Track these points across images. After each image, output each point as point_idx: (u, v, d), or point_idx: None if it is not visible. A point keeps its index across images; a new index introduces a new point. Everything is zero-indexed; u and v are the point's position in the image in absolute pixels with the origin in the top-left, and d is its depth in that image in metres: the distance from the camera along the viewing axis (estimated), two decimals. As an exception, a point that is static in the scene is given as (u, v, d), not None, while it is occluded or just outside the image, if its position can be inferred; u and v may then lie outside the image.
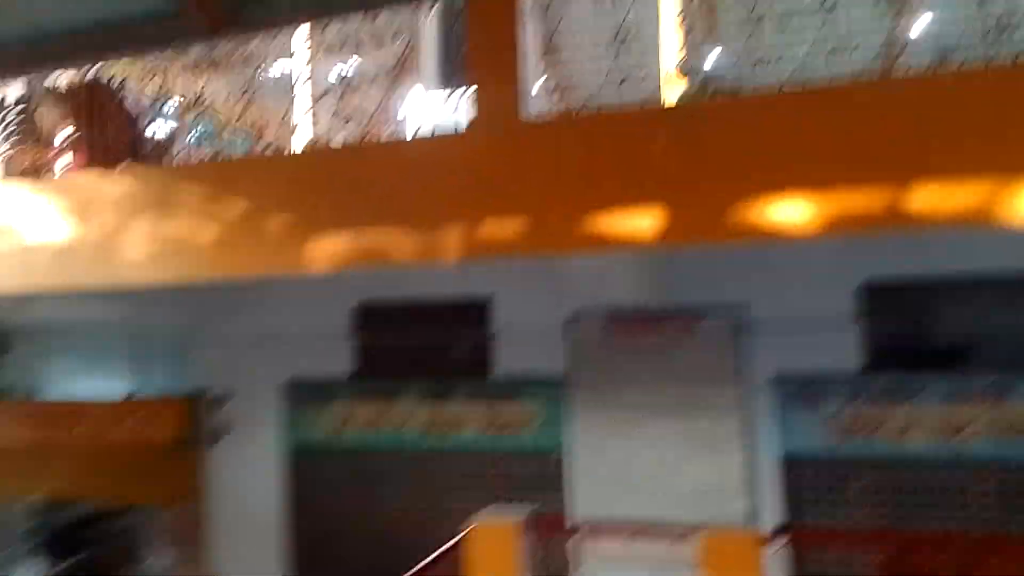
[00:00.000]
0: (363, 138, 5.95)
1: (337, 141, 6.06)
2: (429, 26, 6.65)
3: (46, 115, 5.50)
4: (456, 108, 6.18)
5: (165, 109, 6.35)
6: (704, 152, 3.79)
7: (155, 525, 7.24)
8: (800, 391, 5.20)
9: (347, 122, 6.15)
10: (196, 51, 6.06)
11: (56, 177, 5.02)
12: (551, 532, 4.75)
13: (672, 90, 5.06)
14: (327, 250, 4.24)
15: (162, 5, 4.85)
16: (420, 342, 6.19)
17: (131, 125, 5.72)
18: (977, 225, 3.40)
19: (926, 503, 4.95)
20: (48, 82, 5.64)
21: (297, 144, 6.32)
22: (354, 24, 6.13)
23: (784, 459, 5.19)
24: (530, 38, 4.28)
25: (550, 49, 5.26)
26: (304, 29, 6.31)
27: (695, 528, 3.97)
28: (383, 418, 6.19)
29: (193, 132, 6.55)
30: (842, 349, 5.18)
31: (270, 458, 6.49)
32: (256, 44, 6.21)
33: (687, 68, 5.10)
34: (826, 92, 3.89)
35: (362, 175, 4.30)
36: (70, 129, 5.35)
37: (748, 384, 5.25)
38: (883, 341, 5.16)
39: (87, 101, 5.42)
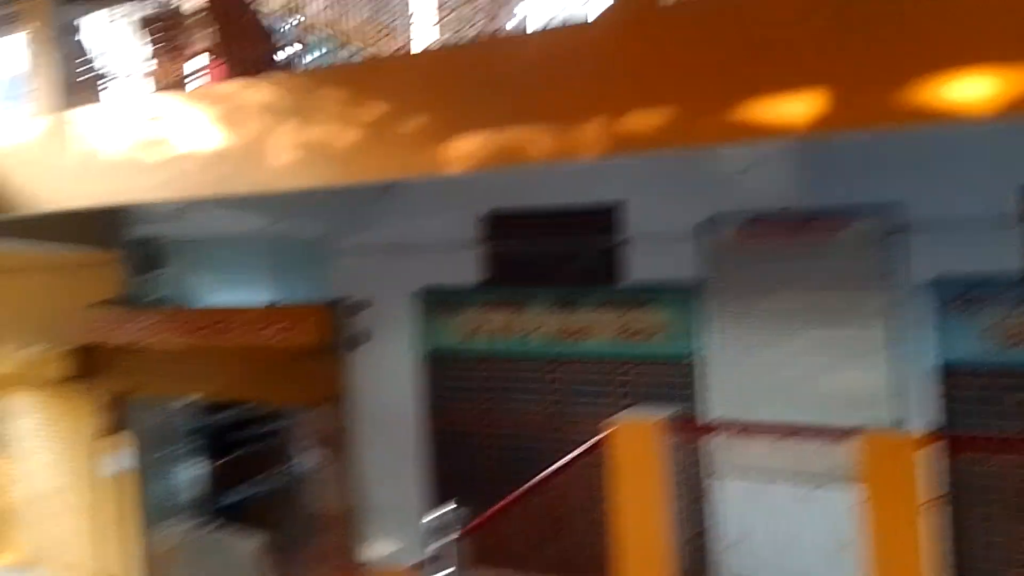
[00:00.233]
0: (492, 34, 5.86)
1: (466, 39, 5.99)
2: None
3: (185, 29, 5.70)
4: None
5: (290, 26, 6.48)
6: (867, 28, 3.46)
7: (301, 427, 7.75)
8: (959, 296, 4.86)
9: (473, 20, 6.06)
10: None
11: (199, 88, 5.21)
12: (692, 433, 4.71)
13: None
14: (463, 151, 4.22)
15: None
16: (549, 249, 6.17)
17: (266, 38, 5.86)
18: None
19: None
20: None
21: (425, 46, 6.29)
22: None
23: (939, 367, 4.91)
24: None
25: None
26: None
27: (846, 430, 3.83)
28: (513, 325, 6.26)
29: (316, 50, 6.66)
30: (1003, 253, 4.80)
31: (406, 363, 6.74)
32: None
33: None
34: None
35: (495, 72, 4.21)
36: (209, 42, 5.54)
37: (899, 289, 4.96)
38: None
39: (224, 14, 5.57)
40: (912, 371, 4.98)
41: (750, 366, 5.36)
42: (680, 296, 5.61)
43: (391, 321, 6.79)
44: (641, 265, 5.79)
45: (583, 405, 6.08)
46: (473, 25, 6.04)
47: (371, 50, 6.64)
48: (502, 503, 4.72)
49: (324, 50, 6.68)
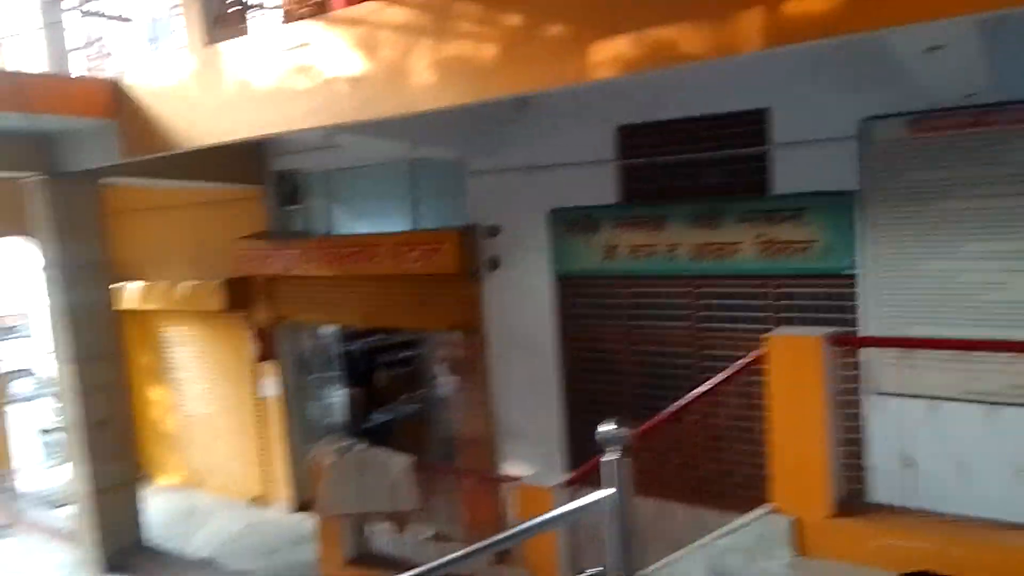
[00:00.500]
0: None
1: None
2: None
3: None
4: None
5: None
6: None
7: (439, 351, 7.99)
8: None
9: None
10: None
11: (338, 12, 5.24)
12: (854, 349, 4.48)
13: None
14: (609, 55, 4.07)
15: None
16: (689, 161, 5.94)
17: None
18: None
19: None
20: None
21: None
22: None
23: None
24: None
25: None
26: None
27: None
28: (652, 243, 6.11)
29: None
30: None
31: (542, 285, 6.76)
32: None
33: None
34: None
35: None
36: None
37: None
38: None
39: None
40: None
41: (915, 278, 5.01)
42: (835, 205, 5.27)
43: (526, 244, 6.80)
44: (791, 174, 5.47)
45: (729, 324, 5.91)
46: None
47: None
48: (651, 422, 4.67)
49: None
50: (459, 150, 6.83)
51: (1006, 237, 4.68)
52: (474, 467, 7.32)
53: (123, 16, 7.10)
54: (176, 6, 6.22)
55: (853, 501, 4.02)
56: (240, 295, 8.93)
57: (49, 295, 7.50)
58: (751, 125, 5.62)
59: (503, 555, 5.45)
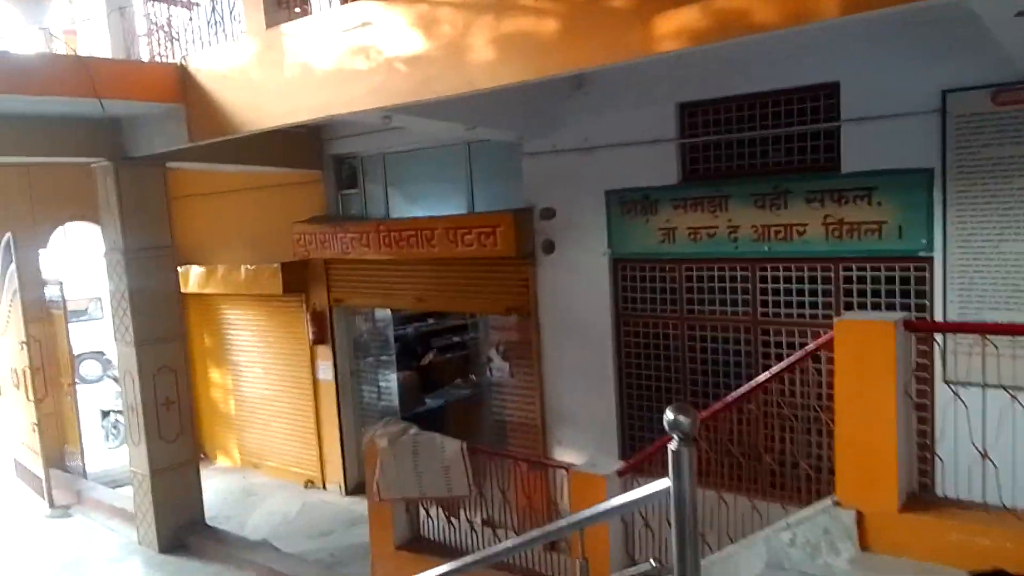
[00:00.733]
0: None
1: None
2: None
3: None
4: None
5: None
6: None
7: (493, 334, 7.95)
8: None
9: None
10: None
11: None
12: (929, 335, 4.26)
13: None
14: (675, 26, 3.94)
15: None
16: (753, 139, 5.76)
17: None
18: None
19: None
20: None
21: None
22: None
23: None
24: None
25: None
26: None
27: None
28: (712, 224, 5.94)
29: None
30: None
31: (599, 268, 6.66)
32: None
33: None
34: None
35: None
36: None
37: None
38: None
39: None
40: None
41: (997, 261, 4.75)
42: (911, 183, 5.03)
43: (582, 226, 6.70)
44: (863, 150, 5.24)
45: (793, 309, 5.72)
46: None
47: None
48: (711, 410, 4.54)
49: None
50: (516, 131, 6.77)
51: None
52: (526, 452, 7.27)
53: (190, 1, 7.22)
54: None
55: (922, 495, 3.83)
56: (297, 278, 9.07)
57: (113, 279, 7.70)
58: (820, 100, 5.42)
59: (554, 542, 5.39)
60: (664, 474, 1.98)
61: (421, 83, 4.94)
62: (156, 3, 7.28)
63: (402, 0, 5.01)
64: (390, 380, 9.20)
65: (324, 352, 9.20)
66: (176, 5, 7.24)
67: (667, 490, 1.97)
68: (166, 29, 7.17)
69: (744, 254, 5.84)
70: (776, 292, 5.79)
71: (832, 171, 5.39)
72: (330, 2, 6.52)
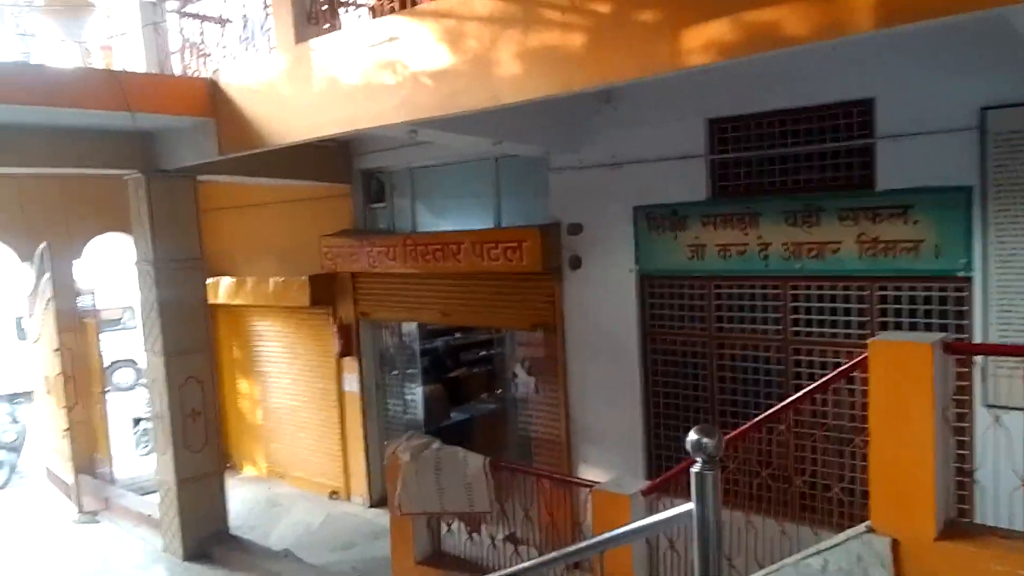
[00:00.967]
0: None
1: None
2: None
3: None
4: None
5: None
6: None
7: (519, 349, 7.90)
8: None
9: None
10: None
11: (424, 5, 5.23)
12: (966, 358, 4.12)
13: None
14: (705, 40, 3.87)
15: None
16: (785, 156, 5.65)
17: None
18: None
19: None
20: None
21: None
22: None
23: None
24: None
25: None
26: None
27: None
28: (742, 242, 5.83)
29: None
30: None
31: (626, 284, 6.57)
32: None
33: None
34: None
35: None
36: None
37: None
38: None
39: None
40: None
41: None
42: (949, 201, 4.88)
43: (609, 241, 6.63)
44: (899, 167, 5.11)
45: (825, 328, 5.58)
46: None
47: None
48: (740, 430, 4.42)
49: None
50: (543, 146, 6.73)
51: None
52: (551, 469, 7.18)
53: (222, 17, 7.32)
54: (269, 5, 6.34)
55: (960, 523, 3.67)
56: (325, 291, 9.10)
57: (143, 289, 7.79)
58: (854, 116, 5.29)
59: (577, 562, 5.29)
60: (689, 495, 1.91)
61: (447, 97, 4.93)
62: (189, 19, 7.40)
63: (429, 15, 5.01)
64: (416, 393, 9.18)
65: (350, 364, 9.21)
66: (209, 21, 7.33)
67: (690, 513, 1.90)
68: (199, 45, 7.27)
69: (775, 272, 5.71)
70: (808, 311, 5.65)
71: (866, 188, 5.25)
72: (359, 16, 6.59)
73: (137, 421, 12.18)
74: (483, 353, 10.87)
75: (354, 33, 5.56)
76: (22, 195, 9.52)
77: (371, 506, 9.12)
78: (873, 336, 3.72)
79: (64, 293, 9.81)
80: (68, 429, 9.86)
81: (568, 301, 7.01)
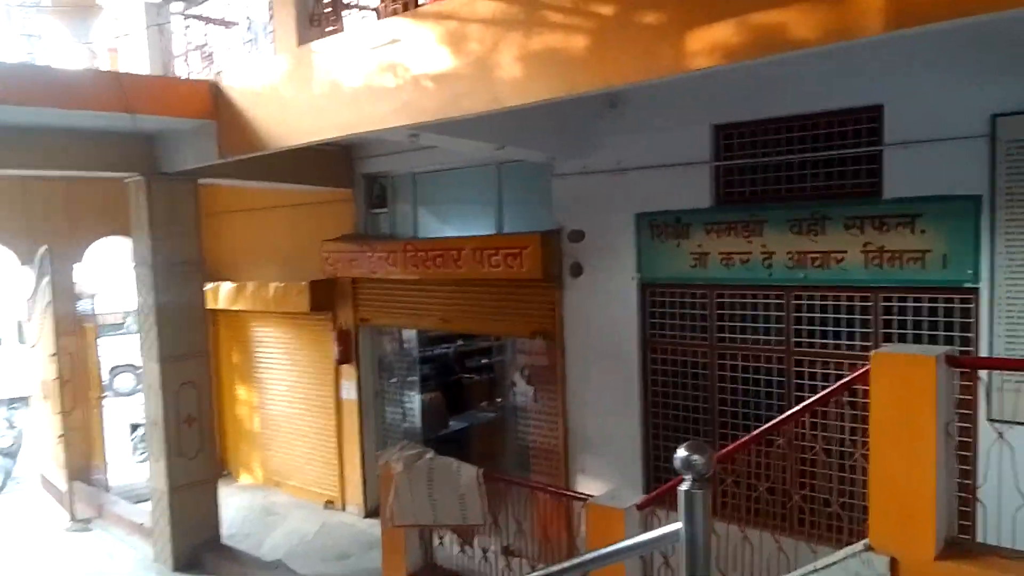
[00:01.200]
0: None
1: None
2: None
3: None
4: None
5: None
6: None
7: (519, 357, 7.80)
8: None
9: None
10: None
11: (426, 7, 5.18)
12: (971, 371, 4.01)
13: None
14: (709, 43, 3.81)
15: None
16: (790, 163, 5.57)
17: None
18: None
19: None
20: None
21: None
22: None
23: None
24: None
25: None
26: None
27: None
28: (746, 250, 5.74)
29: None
30: None
31: (627, 292, 6.49)
32: None
33: None
34: None
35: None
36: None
37: None
38: None
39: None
40: None
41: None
42: (957, 210, 4.79)
43: (611, 249, 6.55)
44: (906, 176, 5.02)
45: (828, 340, 5.48)
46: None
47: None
48: (737, 444, 4.32)
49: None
50: (547, 152, 6.67)
51: None
52: (548, 480, 7.08)
53: (226, 19, 7.30)
54: (272, 7, 6.32)
55: (962, 542, 3.56)
56: (325, 297, 9.03)
57: (141, 293, 7.72)
58: (861, 123, 5.22)
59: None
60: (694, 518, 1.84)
61: (449, 100, 4.87)
62: (194, 20, 7.38)
63: (431, 16, 4.97)
64: (414, 401, 9.08)
65: (349, 371, 9.13)
66: (213, 23, 7.32)
67: (678, 533, 1.81)
68: (203, 47, 7.25)
69: (779, 281, 5.62)
70: (812, 322, 5.54)
71: (873, 197, 5.17)
72: (362, 18, 6.56)
73: (135, 427, 12.09)
74: (483, 361, 10.78)
75: (356, 35, 5.52)
76: (24, 197, 9.50)
77: (366, 516, 9.00)
78: (876, 348, 3.63)
79: (63, 297, 9.74)
80: (63, 435, 9.77)
81: (568, 309, 6.92)
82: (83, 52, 9.13)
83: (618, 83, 4.39)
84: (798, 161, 5.53)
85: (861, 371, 3.63)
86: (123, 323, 18.21)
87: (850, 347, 5.36)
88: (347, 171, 8.78)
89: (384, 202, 8.73)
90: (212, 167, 7.00)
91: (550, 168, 6.91)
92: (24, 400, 12.98)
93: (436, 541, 6.19)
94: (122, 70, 7.37)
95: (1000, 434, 3.61)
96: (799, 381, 5.60)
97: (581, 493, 5.59)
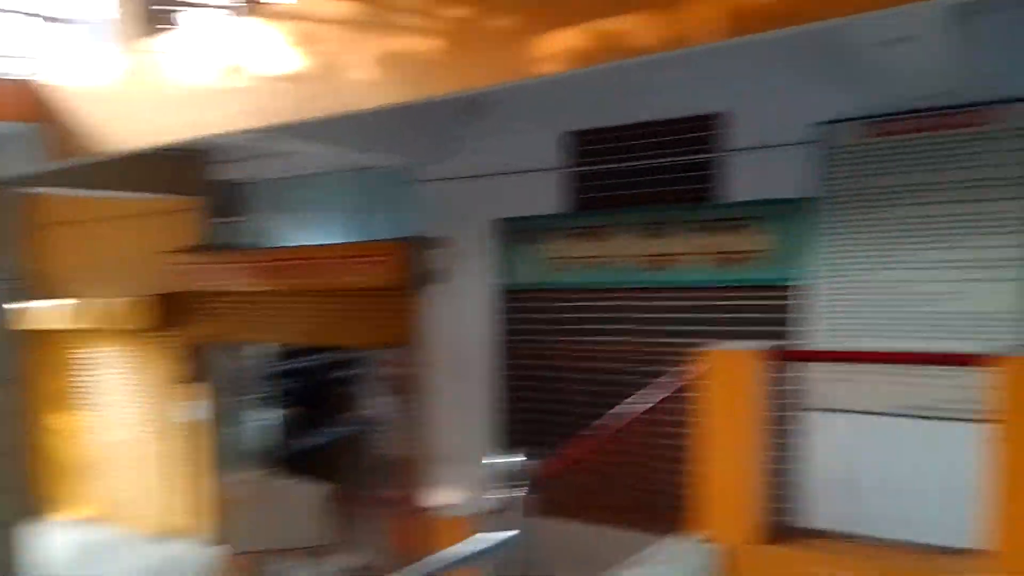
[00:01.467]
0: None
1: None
2: None
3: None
4: None
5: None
6: None
7: (373, 371, 7.65)
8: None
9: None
10: None
11: (274, 6, 5.01)
12: (794, 364, 4.32)
13: None
14: (557, 48, 3.90)
15: None
16: (637, 169, 5.80)
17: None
18: None
19: None
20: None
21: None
22: None
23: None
24: None
25: None
26: None
27: (975, 356, 3.35)
28: (599, 254, 5.94)
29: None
30: None
31: (485, 299, 6.52)
32: None
33: None
34: None
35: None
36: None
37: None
38: None
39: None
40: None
41: (864, 290, 4.91)
42: (789, 213, 5.16)
43: (470, 255, 6.56)
44: (744, 180, 5.36)
45: (675, 339, 5.72)
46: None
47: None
48: (575, 447, 4.43)
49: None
50: (407, 157, 6.61)
51: (965, 245, 4.60)
52: (405, 493, 6.95)
53: (51, 16, 6.75)
54: (106, 3, 5.91)
55: (787, 527, 3.82)
56: (171, 312, 8.46)
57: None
58: (704, 130, 5.52)
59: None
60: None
61: (300, 103, 4.71)
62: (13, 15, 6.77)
63: (279, 15, 4.81)
64: (267, 419, 8.67)
65: (195, 391, 8.59)
66: (36, 17, 6.74)
67: (505, 539, 1.82)
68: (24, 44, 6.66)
69: (628, 283, 5.85)
70: (660, 322, 5.79)
71: (713, 201, 5.48)
72: (205, 14, 6.25)
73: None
74: (342, 374, 10.45)
75: (199, 32, 5.24)
76: None
77: (212, 545, 8.47)
78: (709, 345, 3.84)
79: None
80: None
81: (429, 317, 6.86)
82: None
83: (469, 88, 4.40)
84: (645, 167, 5.77)
85: (691, 367, 3.83)
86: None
87: (693, 344, 5.57)
88: (197, 178, 8.31)
89: (238, 211, 8.33)
90: (42, 175, 6.42)
91: (411, 174, 6.85)
92: None
93: (282, 565, 5.92)
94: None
95: (821, 422, 3.89)
96: (646, 380, 5.79)
97: (434, 504, 5.53)
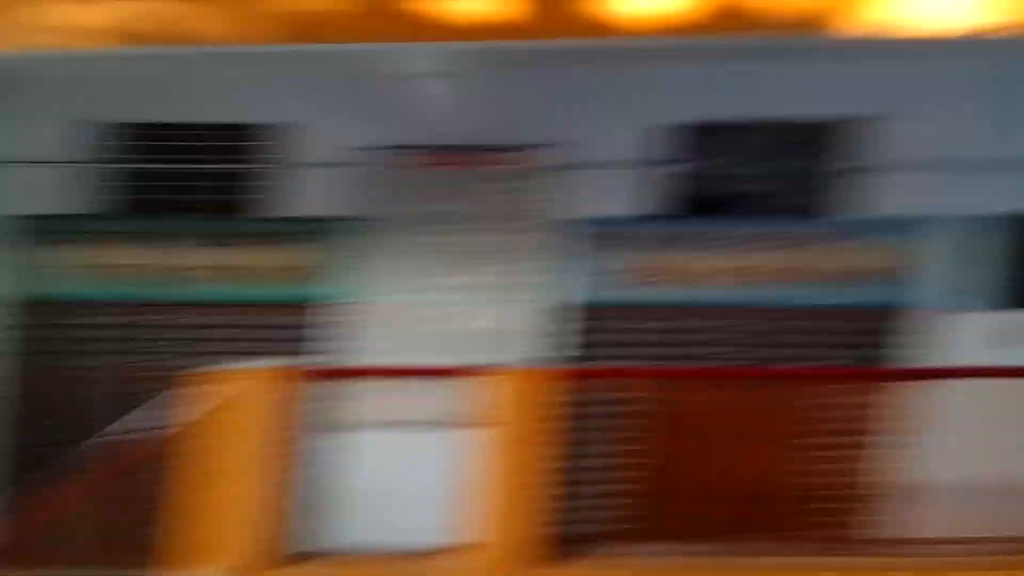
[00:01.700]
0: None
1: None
2: None
3: None
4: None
5: None
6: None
7: None
8: (604, 235, 5.10)
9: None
10: None
11: None
12: (316, 380, 4.25)
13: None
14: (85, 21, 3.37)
15: None
16: (178, 173, 5.43)
17: None
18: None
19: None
20: None
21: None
22: None
23: (583, 304, 5.10)
24: None
25: None
26: None
27: (469, 368, 3.62)
28: (115, 264, 5.44)
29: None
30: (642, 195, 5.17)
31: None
32: None
33: None
34: None
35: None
36: None
37: (550, 227, 5.10)
38: (697, 184, 5.18)
39: None
40: (558, 309, 5.12)
41: (391, 309, 5.18)
42: (323, 232, 5.25)
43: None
44: (290, 196, 5.34)
45: (189, 356, 5.28)
46: None
47: None
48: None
49: None
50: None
51: (476, 271, 5.08)
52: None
53: None
54: None
55: (308, 548, 3.72)
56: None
57: None
58: (247, 140, 5.38)
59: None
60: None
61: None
62: None
63: None
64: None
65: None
66: None
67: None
68: None
69: (144, 297, 5.41)
70: (176, 341, 5.39)
71: (254, 214, 5.38)
72: None
73: None
74: None
75: None
76: None
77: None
78: (225, 363, 3.58)
79: None
80: None
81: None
82: None
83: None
84: (189, 172, 5.41)
85: (187, 390, 3.53)
86: None
87: (210, 366, 5.32)
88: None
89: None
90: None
91: None
92: None
93: None
94: None
95: (345, 439, 3.87)
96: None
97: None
